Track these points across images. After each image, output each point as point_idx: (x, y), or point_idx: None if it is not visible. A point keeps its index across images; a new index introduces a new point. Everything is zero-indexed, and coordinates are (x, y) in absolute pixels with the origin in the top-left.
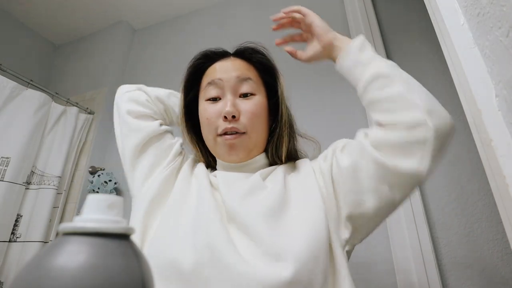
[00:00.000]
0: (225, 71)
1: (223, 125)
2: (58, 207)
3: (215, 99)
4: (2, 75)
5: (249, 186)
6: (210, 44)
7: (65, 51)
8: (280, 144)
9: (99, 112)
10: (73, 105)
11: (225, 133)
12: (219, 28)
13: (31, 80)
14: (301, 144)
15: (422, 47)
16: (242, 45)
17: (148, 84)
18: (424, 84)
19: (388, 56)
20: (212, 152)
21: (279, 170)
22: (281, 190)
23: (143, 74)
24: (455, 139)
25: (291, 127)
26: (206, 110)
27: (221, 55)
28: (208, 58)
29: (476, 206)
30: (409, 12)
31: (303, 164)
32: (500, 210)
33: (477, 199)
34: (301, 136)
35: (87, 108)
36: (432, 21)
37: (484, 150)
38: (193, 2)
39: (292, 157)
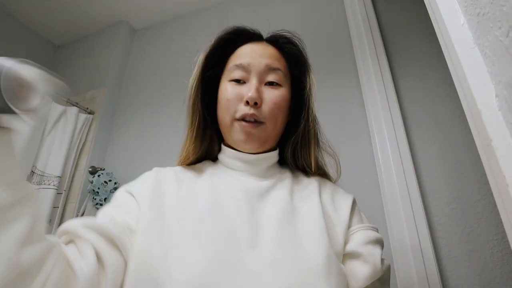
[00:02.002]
0: (255, 56)
1: (243, 110)
2: (58, 207)
3: (239, 81)
4: None
5: (280, 211)
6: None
7: (65, 51)
8: (306, 149)
9: (99, 112)
10: (73, 105)
11: (243, 119)
12: (220, 28)
13: None
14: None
15: (422, 47)
16: (277, 32)
17: (148, 83)
18: (424, 84)
19: (388, 56)
20: (225, 136)
21: (314, 186)
22: (319, 217)
23: (143, 74)
24: (455, 139)
25: (316, 130)
26: (228, 90)
27: (254, 36)
28: (239, 35)
29: (476, 206)
30: (409, 12)
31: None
32: (500, 210)
33: (477, 199)
34: (320, 146)
35: (87, 108)
36: (432, 21)
37: (484, 150)
38: (193, 2)
39: (320, 168)
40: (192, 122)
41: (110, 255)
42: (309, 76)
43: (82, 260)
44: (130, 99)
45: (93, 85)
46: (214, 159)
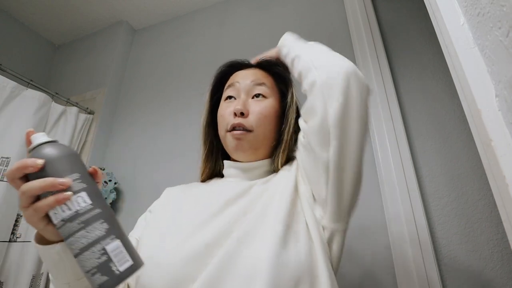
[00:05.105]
0: (244, 76)
1: (232, 121)
2: None
3: (231, 98)
4: (2, 75)
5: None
6: (210, 44)
7: (65, 51)
8: (283, 152)
9: (99, 112)
10: (73, 105)
11: (233, 129)
12: (220, 28)
13: (31, 80)
14: None
15: (422, 47)
16: (263, 58)
17: (148, 83)
18: (424, 84)
19: (388, 56)
20: (225, 148)
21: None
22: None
23: (143, 74)
24: (455, 139)
25: (289, 140)
26: (222, 108)
27: (244, 65)
28: (233, 67)
29: (476, 206)
30: (409, 12)
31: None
32: (500, 210)
33: (477, 199)
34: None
35: (87, 108)
36: (432, 21)
37: (484, 150)
38: (193, 2)
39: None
40: (204, 147)
41: None
42: (291, 89)
43: None
44: (130, 98)
45: (93, 85)
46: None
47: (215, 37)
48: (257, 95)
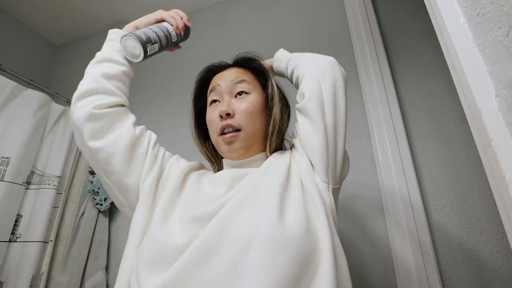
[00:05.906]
0: (223, 78)
1: (220, 124)
2: (58, 207)
3: (215, 101)
4: (2, 75)
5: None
6: (210, 44)
7: (65, 51)
8: (275, 141)
9: None
10: None
11: (224, 132)
12: (220, 28)
13: (31, 80)
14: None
15: (422, 47)
16: (239, 55)
17: (148, 83)
18: (424, 84)
19: (388, 56)
20: (219, 152)
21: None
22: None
23: (143, 74)
24: (455, 139)
25: (281, 126)
26: (209, 113)
27: (222, 67)
28: (211, 71)
29: (476, 206)
30: (409, 12)
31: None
32: (500, 210)
33: (477, 199)
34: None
35: None
36: (432, 21)
37: (484, 150)
38: (193, 2)
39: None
40: (203, 154)
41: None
42: (270, 81)
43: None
44: (130, 98)
45: None
46: None
47: (215, 37)
48: (240, 93)
